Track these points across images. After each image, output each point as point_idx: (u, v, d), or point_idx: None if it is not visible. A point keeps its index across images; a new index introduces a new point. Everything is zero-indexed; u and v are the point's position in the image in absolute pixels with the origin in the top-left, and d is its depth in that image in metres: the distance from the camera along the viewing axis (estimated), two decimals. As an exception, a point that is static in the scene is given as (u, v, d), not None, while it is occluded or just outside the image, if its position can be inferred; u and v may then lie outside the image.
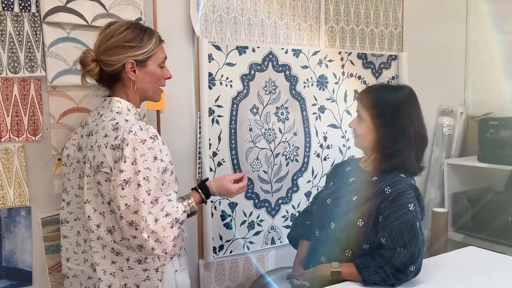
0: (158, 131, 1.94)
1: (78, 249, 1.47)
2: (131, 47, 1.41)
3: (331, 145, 2.41)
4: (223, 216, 2.12)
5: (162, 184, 1.34)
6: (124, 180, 1.26)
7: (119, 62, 1.40)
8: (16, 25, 1.63)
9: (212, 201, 2.07)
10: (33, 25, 1.66)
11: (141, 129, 1.31)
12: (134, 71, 1.42)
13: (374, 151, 1.60)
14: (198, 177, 2.04)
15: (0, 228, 1.66)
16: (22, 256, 1.70)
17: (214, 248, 2.10)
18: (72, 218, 1.48)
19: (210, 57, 2.03)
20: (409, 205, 1.47)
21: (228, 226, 2.13)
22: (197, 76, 2.01)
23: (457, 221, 2.73)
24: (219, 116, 2.07)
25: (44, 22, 1.66)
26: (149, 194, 1.28)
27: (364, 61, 2.49)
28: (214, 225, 2.09)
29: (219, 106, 2.07)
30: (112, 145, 1.30)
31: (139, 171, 1.27)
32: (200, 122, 2.02)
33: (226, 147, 2.10)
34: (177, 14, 1.97)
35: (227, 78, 2.08)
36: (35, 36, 1.67)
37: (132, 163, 1.27)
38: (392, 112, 1.54)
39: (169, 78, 1.54)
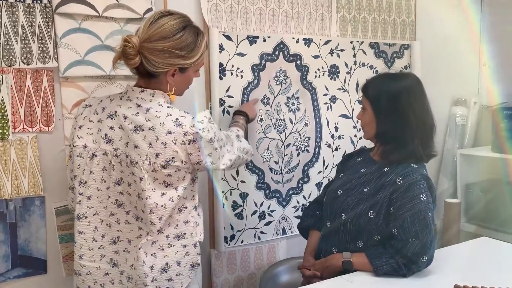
0: (169, 121, 1.94)
1: (94, 245, 1.44)
2: (180, 56, 1.37)
3: (343, 135, 2.39)
4: (234, 206, 2.12)
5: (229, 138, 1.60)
6: (218, 152, 1.44)
7: (164, 67, 1.37)
8: (28, 16, 1.64)
9: (223, 191, 2.08)
10: (45, 16, 1.66)
11: (203, 115, 1.41)
12: (173, 75, 1.41)
13: (379, 142, 1.60)
14: (209, 167, 2.05)
15: (15, 218, 1.68)
16: (36, 245, 1.73)
17: (226, 238, 2.11)
18: (91, 213, 1.43)
19: (221, 47, 2.02)
20: (421, 196, 1.47)
21: (239, 216, 2.14)
22: (207, 66, 2.01)
23: (470, 212, 2.71)
24: (229, 106, 2.07)
25: (55, 13, 1.67)
26: (227, 143, 1.54)
27: (376, 51, 2.46)
28: (226, 215, 2.10)
29: (229, 97, 2.07)
30: (183, 141, 1.35)
31: (221, 139, 1.48)
32: (211, 113, 2.02)
33: (237, 138, 2.09)
34: (188, 4, 1.96)
35: (237, 68, 2.07)
36: (47, 27, 1.67)
37: (214, 138, 1.41)
38: (390, 100, 1.54)
39: (198, 77, 1.55)
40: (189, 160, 1.38)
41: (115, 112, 1.41)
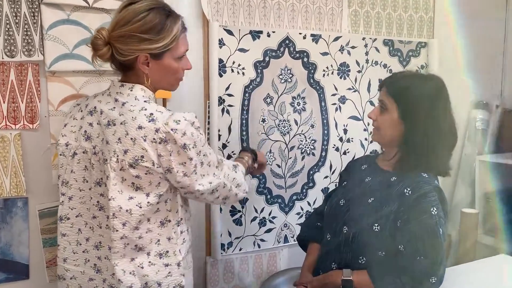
0: (164, 120, 1.83)
1: (78, 248, 1.35)
2: (146, 39, 1.25)
3: (352, 138, 2.24)
4: (232, 212, 2.00)
5: (210, 153, 1.37)
6: (195, 165, 1.26)
7: (131, 54, 1.26)
8: (13, 6, 1.54)
9: (221, 196, 1.96)
10: (30, 6, 1.56)
11: (184, 115, 1.25)
12: (148, 64, 1.28)
13: (398, 148, 1.43)
14: (206, 170, 1.92)
15: (-5, 219, 1.59)
16: (18, 249, 1.63)
17: (223, 245, 1.98)
18: (74, 214, 1.35)
19: (221, 42, 1.90)
20: (432, 209, 1.32)
21: (237, 222, 2.01)
22: (206, 62, 1.89)
23: (488, 223, 2.52)
24: (229, 105, 1.94)
25: (42, 3, 1.57)
26: (212, 164, 1.34)
27: (391, 48, 2.30)
28: (223, 221, 1.97)
29: (229, 95, 1.94)
30: (154, 138, 1.21)
31: (200, 151, 1.28)
32: (209, 112, 1.90)
33: (237, 139, 1.97)
34: (186, -4, 1.84)
35: (239, 65, 1.94)
36: (33, 18, 1.57)
37: (193, 147, 1.25)
38: (425, 104, 1.38)
39: (188, 69, 1.39)
40: (160, 163, 1.24)
41: (95, 107, 1.33)
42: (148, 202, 1.24)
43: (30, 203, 1.63)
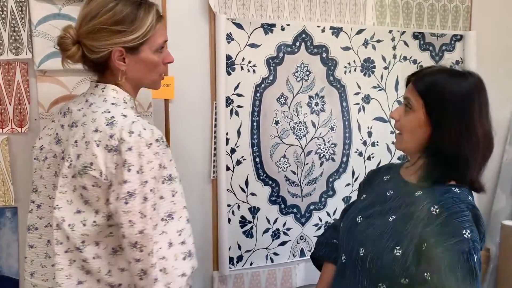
0: (167, 123, 1.68)
1: (46, 261, 1.23)
2: (118, 32, 1.12)
3: (377, 142, 2.03)
4: (242, 223, 1.83)
5: (173, 195, 1.12)
6: (128, 192, 1.04)
7: (104, 50, 1.13)
8: (-2, 0, 1.43)
9: (229, 205, 1.79)
10: (18, 0, 1.44)
11: (145, 129, 1.08)
12: (124, 59, 1.15)
13: (422, 154, 1.22)
14: (213, 177, 1.76)
15: (-18, 231, 1.48)
16: (7, 262, 1.53)
17: (231, 259, 1.82)
18: (42, 224, 1.23)
19: (229, 37, 1.73)
20: (464, 231, 1.10)
21: (248, 234, 1.84)
22: (213, 59, 1.72)
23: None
24: (239, 106, 1.77)
25: (31, -4, 1.45)
26: (155, 209, 1.07)
27: (421, 42, 2.07)
28: (232, 233, 1.81)
29: (239, 95, 1.77)
30: (106, 145, 1.06)
31: (146, 182, 1.05)
32: (215, 114, 1.73)
33: (247, 143, 1.80)
34: (191, -14, 1.68)
35: (249, 62, 1.77)
36: (20, 12, 1.46)
37: (138, 172, 1.05)
38: (458, 104, 1.16)
39: (170, 62, 1.26)
40: (107, 175, 1.07)
41: (68, 108, 1.22)
42: (94, 222, 1.09)
43: (19, 213, 1.53)
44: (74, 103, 1.22)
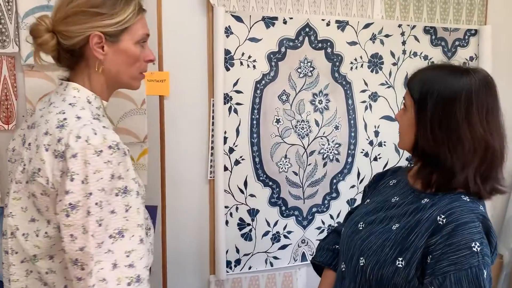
0: (161, 121, 1.60)
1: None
2: (98, 14, 1.03)
3: (385, 142, 1.93)
4: (241, 225, 1.75)
5: (127, 210, 0.97)
6: (70, 204, 0.92)
7: (81, 34, 1.02)
8: (-16, -10, 1.36)
9: (227, 207, 1.71)
10: (4, -10, 1.38)
11: (95, 134, 0.95)
12: (102, 48, 1.05)
13: (416, 158, 1.16)
14: (210, 177, 1.69)
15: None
16: (-6, 264, 1.46)
17: (229, 263, 1.74)
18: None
19: (228, 31, 1.64)
20: (473, 244, 1.01)
21: (246, 237, 1.76)
22: (210, 54, 1.64)
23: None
24: (237, 104, 1.69)
25: (18, -13, 1.38)
26: (101, 225, 0.93)
27: (433, 37, 1.96)
28: (230, 235, 1.73)
29: (238, 92, 1.69)
30: (54, 150, 0.96)
31: (91, 194, 0.93)
32: (213, 112, 1.65)
33: (246, 142, 1.71)
34: (187, -24, 1.60)
35: (249, 57, 1.68)
36: (7, 4, 1.39)
37: (83, 182, 0.93)
38: (440, 103, 1.08)
39: (151, 61, 1.15)
40: (54, 184, 0.96)
41: (35, 108, 1.16)
42: (46, 233, 0.99)
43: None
44: (41, 102, 1.14)
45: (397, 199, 1.20)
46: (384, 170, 1.42)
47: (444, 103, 1.08)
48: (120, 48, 1.06)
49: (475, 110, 1.07)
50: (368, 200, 1.32)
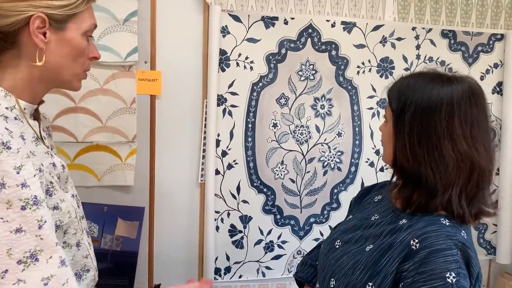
0: (152, 121, 1.57)
1: None
2: None
3: (393, 151, 1.81)
4: (232, 232, 1.69)
5: (40, 227, 0.80)
6: None
7: (20, 13, 0.85)
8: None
9: (217, 212, 1.66)
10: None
11: None
12: (45, 34, 0.88)
13: (396, 174, 1.06)
14: (201, 180, 1.63)
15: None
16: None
17: (218, 270, 1.69)
18: None
19: (225, 30, 1.58)
20: (447, 274, 0.90)
21: (238, 244, 1.70)
22: (206, 54, 1.59)
23: None
24: (232, 106, 1.63)
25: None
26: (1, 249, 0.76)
27: (452, 41, 1.82)
28: (220, 242, 1.67)
29: (233, 94, 1.63)
30: None
31: None
32: (206, 113, 1.60)
33: (240, 146, 1.65)
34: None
35: (246, 58, 1.62)
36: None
37: None
38: (417, 116, 0.97)
39: (96, 58, 1.00)
40: None
41: None
42: None
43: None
44: None
45: (376, 217, 1.11)
46: (373, 184, 1.31)
47: (422, 114, 0.97)
48: (65, 37, 0.90)
49: (457, 124, 0.96)
50: (350, 216, 1.23)
